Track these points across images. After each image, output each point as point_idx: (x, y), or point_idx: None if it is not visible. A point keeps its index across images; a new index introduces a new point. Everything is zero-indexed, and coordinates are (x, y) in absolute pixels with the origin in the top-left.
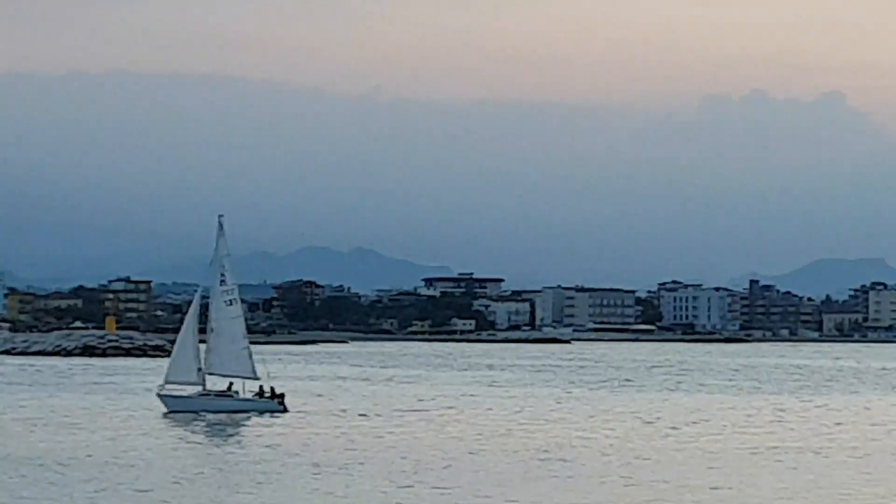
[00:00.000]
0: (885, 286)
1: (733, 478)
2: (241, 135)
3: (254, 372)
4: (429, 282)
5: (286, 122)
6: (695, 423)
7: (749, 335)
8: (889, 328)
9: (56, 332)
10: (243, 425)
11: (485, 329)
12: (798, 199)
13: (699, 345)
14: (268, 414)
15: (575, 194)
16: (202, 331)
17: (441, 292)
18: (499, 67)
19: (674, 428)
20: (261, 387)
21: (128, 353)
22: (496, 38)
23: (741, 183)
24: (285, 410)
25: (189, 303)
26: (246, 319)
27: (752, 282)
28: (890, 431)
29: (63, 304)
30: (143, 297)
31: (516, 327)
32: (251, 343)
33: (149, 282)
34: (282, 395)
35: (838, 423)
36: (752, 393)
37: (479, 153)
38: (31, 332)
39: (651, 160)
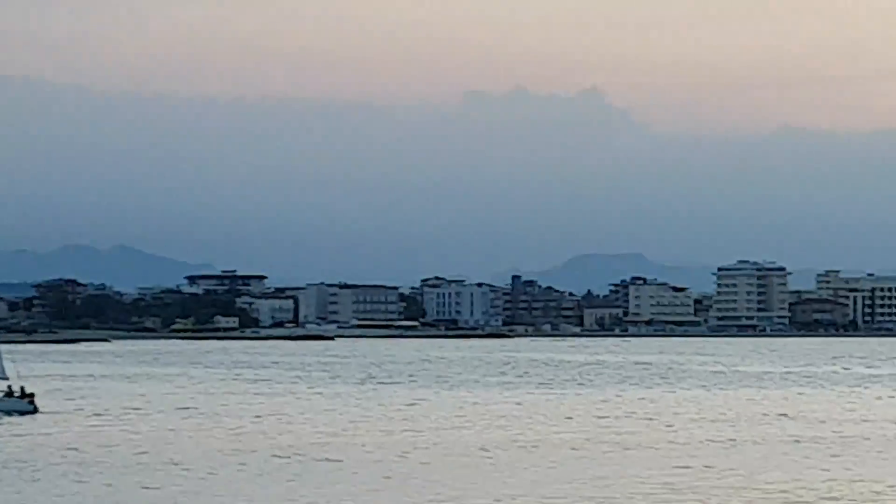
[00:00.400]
0: (645, 281)
1: (486, 471)
2: (2, 131)
3: (2, 371)
4: (192, 279)
5: (47, 118)
6: (456, 417)
7: (512, 330)
8: (648, 322)
9: None
10: None
11: (248, 326)
12: (559, 194)
13: (462, 340)
14: (17, 414)
15: (338, 191)
16: None
17: (204, 290)
18: (262, 64)
19: (421, 424)
20: (9, 386)
21: None
22: (260, 36)
23: (503, 179)
24: (35, 410)
25: None
26: (6, 318)
27: (514, 277)
28: (621, 422)
29: None
30: None
31: (280, 324)
32: (10, 342)
33: None
34: (31, 395)
35: (604, 417)
36: (512, 388)
37: (243, 150)
38: None
39: (414, 156)
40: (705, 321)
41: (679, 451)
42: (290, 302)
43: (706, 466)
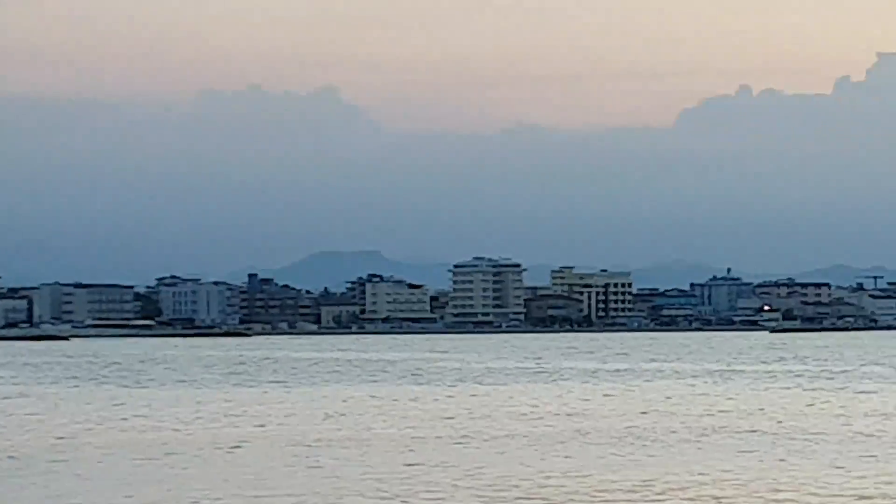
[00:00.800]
0: (381, 278)
1: (211, 469)
2: None
3: None
4: None
5: None
6: (186, 416)
7: (249, 329)
8: (385, 320)
9: None
10: None
11: None
12: (295, 192)
13: (199, 339)
14: None
15: (71, 189)
16: None
17: None
18: None
19: (150, 423)
20: None
21: None
22: None
23: (239, 177)
24: None
25: None
26: None
27: (250, 275)
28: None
29: None
30: None
31: (14, 325)
32: None
33: None
34: None
35: (337, 414)
36: (244, 386)
37: None
38: None
39: (147, 154)
40: (442, 318)
41: (412, 447)
42: (24, 302)
43: (436, 463)
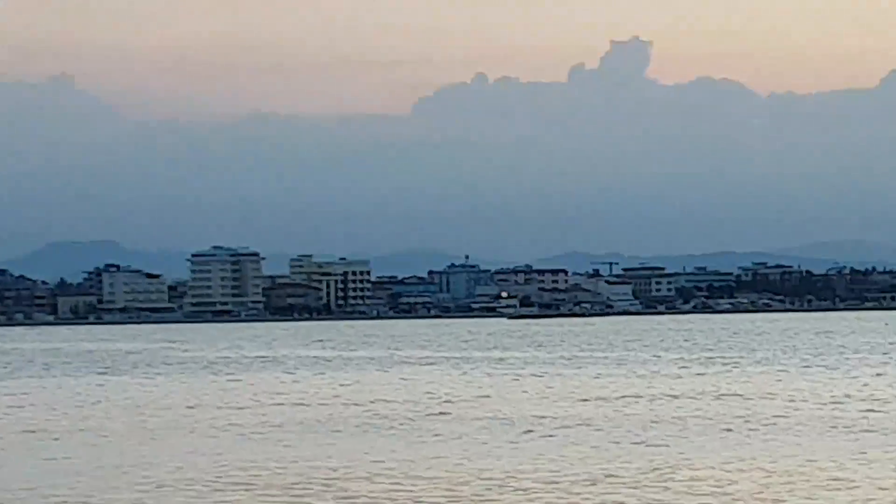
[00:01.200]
0: (119, 268)
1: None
2: None
3: None
4: None
5: None
6: None
7: None
8: (123, 310)
9: None
10: None
11: None
12: (30, 182)
13: None
14: None
15: None
16: None
17: None
18: None
19: None
20: None
21: None
22: None
23: None
24: None
25: None
26: None
27: None
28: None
29: None
30: None
31: None
32: None
33: None
34: None
35: (78, 406)
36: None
37: None
38: None
39: None
40: (180, 307)
41: (140, 437)
42: None
43: (156, 453)
